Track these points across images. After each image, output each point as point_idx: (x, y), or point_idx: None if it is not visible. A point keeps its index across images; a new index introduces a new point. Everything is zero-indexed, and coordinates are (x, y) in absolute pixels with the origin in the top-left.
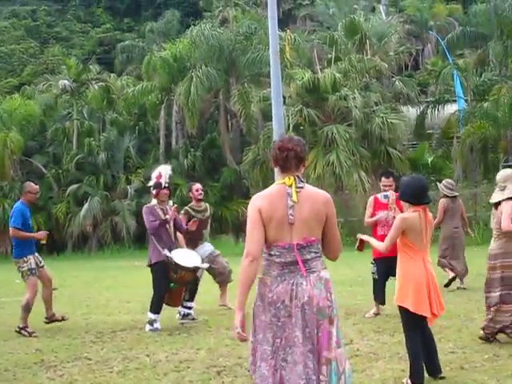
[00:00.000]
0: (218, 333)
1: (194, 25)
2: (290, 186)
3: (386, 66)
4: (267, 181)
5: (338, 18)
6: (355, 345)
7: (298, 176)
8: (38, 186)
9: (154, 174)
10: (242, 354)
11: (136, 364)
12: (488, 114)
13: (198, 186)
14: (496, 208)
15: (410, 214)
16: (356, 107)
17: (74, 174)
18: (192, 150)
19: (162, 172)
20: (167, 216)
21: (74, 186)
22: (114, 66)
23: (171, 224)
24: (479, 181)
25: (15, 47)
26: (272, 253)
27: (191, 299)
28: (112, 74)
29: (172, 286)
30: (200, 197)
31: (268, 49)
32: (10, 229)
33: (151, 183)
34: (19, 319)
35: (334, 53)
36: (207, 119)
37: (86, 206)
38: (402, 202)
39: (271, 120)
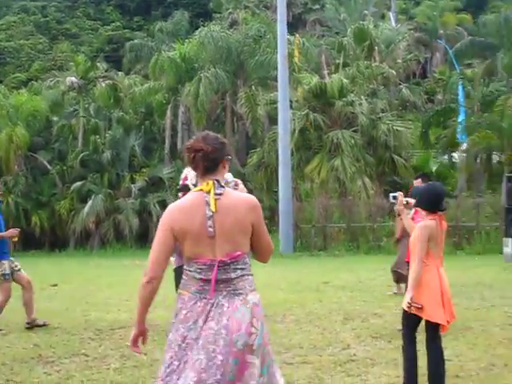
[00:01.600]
0: None
1: (204, 26)
2: (208, 192)
3: (394, 73)
4: (271, 184)
5: (347, 24)
6: (352, 349)
7: (217, 180)
8: None
9: (181, 177)
10: None
11: (133, 362)
12: (493, 124)
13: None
14: None
15: (429, 221)
16: (362, 113)
17: (79, 171)
18: None
19: (189, 174)
20: None
21: (78, 183)
22: (122, 64)
23: None
24: (483, 190)
25: (24, 42)
26: (192, 269)
27: None
28: (120, 73)
29: None
30: None
31: (276, 52)
32: None
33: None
34: None
35: (342, 58)
36: (213, 120)
37: (89, 203)
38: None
39: (277, 123)
